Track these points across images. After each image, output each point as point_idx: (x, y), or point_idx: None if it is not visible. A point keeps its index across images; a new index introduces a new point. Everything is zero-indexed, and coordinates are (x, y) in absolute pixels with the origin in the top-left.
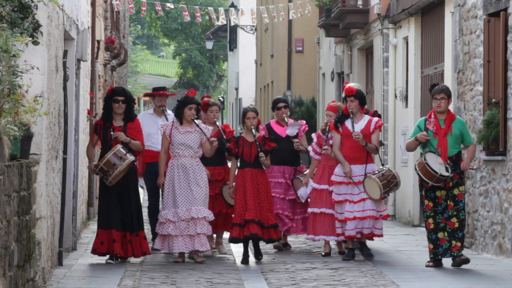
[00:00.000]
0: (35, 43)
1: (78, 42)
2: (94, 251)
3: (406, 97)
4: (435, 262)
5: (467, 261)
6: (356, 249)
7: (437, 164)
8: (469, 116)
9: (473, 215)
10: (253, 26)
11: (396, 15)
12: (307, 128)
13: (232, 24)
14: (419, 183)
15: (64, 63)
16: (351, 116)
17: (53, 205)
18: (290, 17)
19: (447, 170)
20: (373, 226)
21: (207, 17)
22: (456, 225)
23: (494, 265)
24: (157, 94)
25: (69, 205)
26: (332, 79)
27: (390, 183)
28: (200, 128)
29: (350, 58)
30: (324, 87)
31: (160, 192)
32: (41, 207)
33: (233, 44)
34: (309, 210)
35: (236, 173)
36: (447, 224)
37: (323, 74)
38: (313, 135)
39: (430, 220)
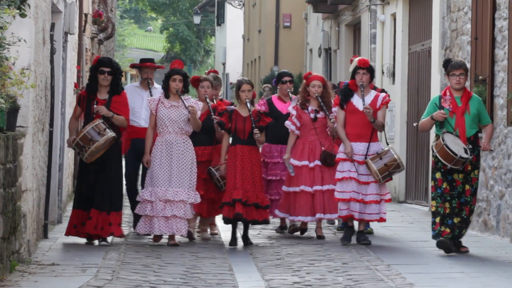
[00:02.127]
0: (23, 15)
1: (65, 15)
2: (75, 227)
3: (393, 74)
4: (447, 242)
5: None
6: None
7: (455, 145)
8: None
9: None
10: (241, 1)
11: None
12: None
13: None
14: (433, 165)
15: (51, 36)
16: (362, 89)
17: (39, 177)
18: None
19: (466, 152)
20: (380, 211)
21: None
22: (470, 212)
23: (479, 242)
24: (144, 65)
25: (55, 178)
26: (320, 55)
27: (388, 167)
28: (182, 101)
29: (338, 34)
30: (311, 63)
31: (140, 172)
32: (27, 179)
33: (220, 19)
34: (289, 189)
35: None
36: (462, 209)
37: (311, 50)
38: (290, 109)
39: (447, 205)
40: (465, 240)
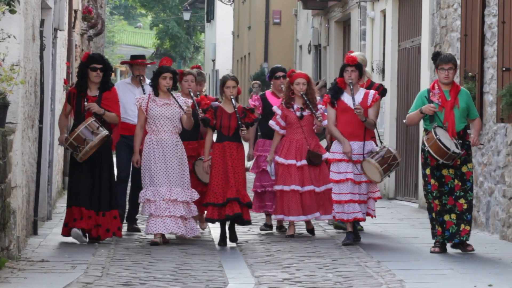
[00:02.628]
0: (12, 11)
1: (55, 11)
2: (66, 226)
3: (383, 70)
4: (441, 247)
5: (471, 251)
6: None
7: (447, 140)
8: None
9: None
10: None
11: None
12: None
13: None
14: (422, 161)
15: (41, 32)
16: (351, 87)
17: (29, 174)
18: None
19: (457, 147)
20: (366, 207)
21: None
22: (465, 206)
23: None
24: (135, 62)
25: (45, 175)
26: (309, 52)
27: (390, 166)
28: (175, 100)
29: (328, 30)
30: (301, 59)
31: (131, 170)
32: (16, 176)
33: (210, 16)
34: (277, 187)
35: (210, 146)
36: (455, 205)
37: (300, 47)
38: (275, 108)
39: (437, 202)
40: None
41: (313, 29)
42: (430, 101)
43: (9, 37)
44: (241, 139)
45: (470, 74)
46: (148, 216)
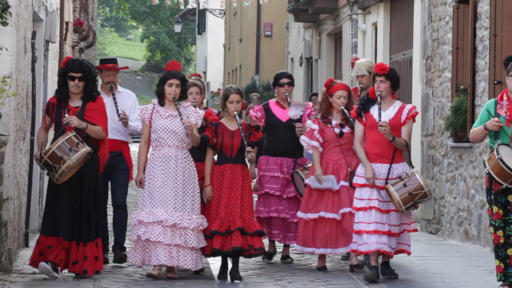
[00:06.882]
0: (4, 23)
1: (46, 24)
2: (33, 262)
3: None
4: (510, 285)
5: None
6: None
7: None
8: (437, 102)
9: (439, 202)
10: (222, 10)
11: (365, 0)
12: (313, 112)
13: (201, 7)
14: (487, 185)
15: (33, 44)
16: (379, 101)
17: (20, 186)
18: (260, 2)
19: None
20: (399, 241)
21: (175, 0)
22: None
23: (460, 251)
24: (104, 67)
25: (36, 187)
26: (301, 64)
27: (413, 196)
28: (178, 110)
29: (319, 43)
30: (292, 72)
31: (110, 193)
32: (8, 188)
33: (201, 28)
34: (307, 215)
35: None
36: None
37: (292, 59)
38: (310, 123)
39: (500, 233)
40: (445, 249)
41: (305, 42)
42: (497, 115)
43: (0, 49)
44: (245, 159)
45: (461, 87)
46: (135, 240)
